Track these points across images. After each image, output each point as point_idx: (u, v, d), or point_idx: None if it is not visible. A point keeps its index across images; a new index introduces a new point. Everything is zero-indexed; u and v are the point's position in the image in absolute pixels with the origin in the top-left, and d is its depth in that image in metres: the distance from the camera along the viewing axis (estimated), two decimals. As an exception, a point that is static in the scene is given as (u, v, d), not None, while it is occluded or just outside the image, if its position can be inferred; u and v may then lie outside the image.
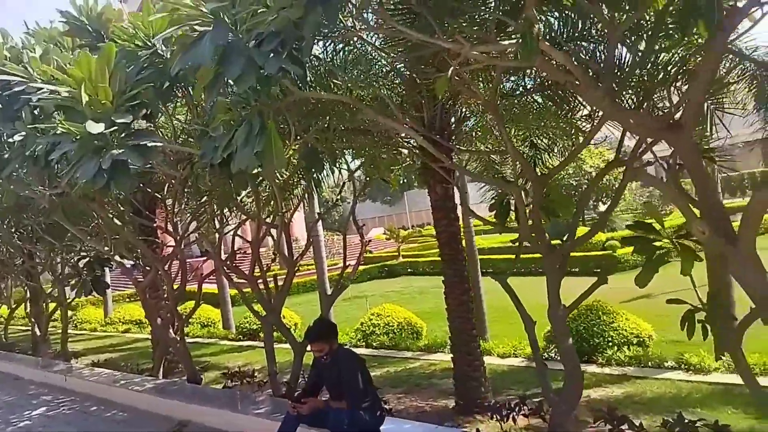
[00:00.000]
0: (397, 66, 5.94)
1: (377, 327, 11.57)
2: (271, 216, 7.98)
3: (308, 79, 4.98)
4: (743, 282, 2.76)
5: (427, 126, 5.94)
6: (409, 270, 25.32)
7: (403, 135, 6.33)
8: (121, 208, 9.24)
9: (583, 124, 5.89)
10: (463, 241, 7.16)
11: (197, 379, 8.40)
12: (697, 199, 3.06)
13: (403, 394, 8.28)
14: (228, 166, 3.28)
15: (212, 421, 6.56)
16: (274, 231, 7.60)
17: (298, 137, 5.08)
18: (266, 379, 7.99)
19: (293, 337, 7.42)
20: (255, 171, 3.99)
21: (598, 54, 4.77)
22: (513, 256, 19.77)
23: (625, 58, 4.57)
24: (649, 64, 4.34)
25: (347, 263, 7.90)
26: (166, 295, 9.70)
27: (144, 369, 10.68)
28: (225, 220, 8.38)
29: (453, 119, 6.58)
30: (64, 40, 5.75)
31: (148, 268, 9.39)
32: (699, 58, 4.14)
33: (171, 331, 8.67)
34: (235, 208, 8.06)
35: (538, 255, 4.57)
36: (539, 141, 6.82)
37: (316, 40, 4.35)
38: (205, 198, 7.58)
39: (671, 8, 2.47)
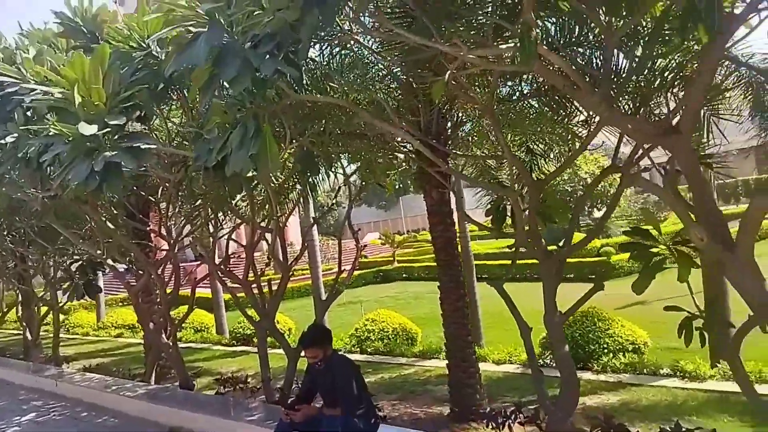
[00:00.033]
0: (394, 70, 5.92)
1: (372, 333, 11.51)
2: (266, 220, 7.93)
3: (304, 82, 4.96)
4: (741, 289, 2.74)
5: (424, 130, 5.91)
6: (404, 275, 25.29)
7: (399, 139, 6.31)
8: (115, 212, 9.17)
9: (580, 129, 5.88)
10: (459, 247, 7.13)
11: (189, 385, 8.32)
12: (695, 206, 3.04)
13: (397, 400, 8.22)
14: (222, 169, 3.24)
15: (204, 427, 6.48)
16: (268, 235, 7.55)
17: (294, 141, 5.05)
18: (259, 385, 7.91)
19: (287, 343, 7.36)
20: (250, 174, 3.94)
21: (594, 60, 4.77)
22: (508, 262, 19.78)
23: (621, 64, 4.57)
24: (646, 70, 4.33)
25: (342, 268, 7.85)
26: (158, 300, 9.62)
27: (136, 374, 10.57)
28: (219, 224, 8.32)
29: (449, 124, 6.56)
30: (58, 42, 5.70)
31: (141, 272, 9.31)
32: (695, 65, 4.15)
33: (163, 336, 8.59)
34: (229, 212, 8.01)
35: (533, 261, 4.55)
36: (535, 146, 6.81)
37: (312, 43, 4.32)
38: (199, 201, 7.52)
39: (670, 13, 2.45)
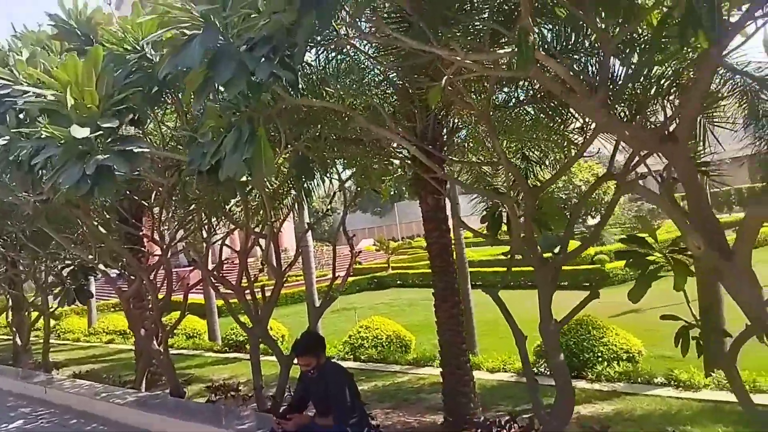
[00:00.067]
0: (390, 75, 5.90)
1: (366, 340, 11.44)
2: (260, 225, 7.88)
3: (300, 86, 4.93)
4: (738, 299, 2.71)
5: (419, 136, 5.89)
6: (398, 282, 25.21)
7: (395, 145, 6.29)
8: (107, 216, 9.09)
9: (576, 137, 5.88)
10: (454, 254, 7.10)
11: (180, 393, 8.23)
12: (691, 214, 3.02)
13: (390, 409, 8.16)
14: (216, 173, 3.20)
15: (195, 435, 6.40)
16: (262, 241, 7.50)
17: (289, 145, 5.02)
18: (251, 393, 7.84)
19: (280, 350, 7.28)
20: (244, 179, 3.90)
21: (590, 67, 4.78)
22: (503, 269, 19.82)
23: (618, 71, 4.57)
24: (642, 78, 4.33)
25: (336, 274, 7.80)
26: (150, 306, 9.53)
27: (126, 381, 10.46)
28: (213, 230, 8.26)
29: (445, 130, 6.55)
30: (52, 44, 5.66)
31: (132, 277, 9.23)
32: (692, 72, 4.16)
33: (155, 342, 8.50)
34: (223, 217, 7.95)
35: (527, 268, 4.53)
36: (531, 153, 6.80)
37: (308, 47, 4.30)
38: (193, 206, 7.47)
39: (668, 20, 2.44)
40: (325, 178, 7.21)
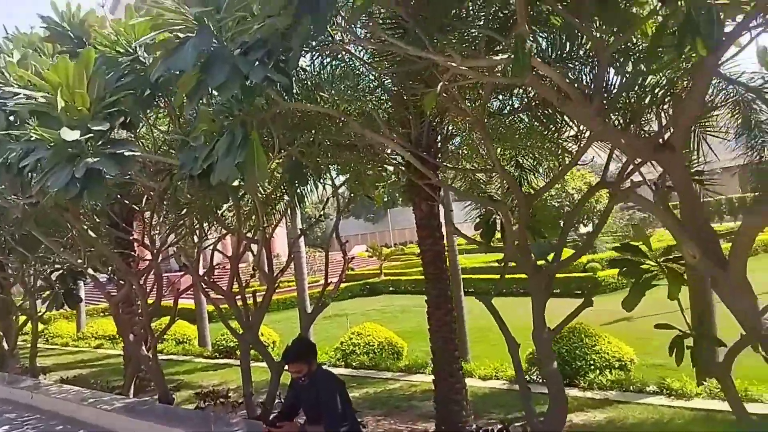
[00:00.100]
0: (385, 82, 5.89)
1: (357, 346, 11.39)
2: (252, 231, 7.82)
3: (294, 91, 4.90)
4: (733, 309, 2.71)
5: (414, 143, 5.88)
6: (391, 288, 25.16)
7: (389, 151, 6.27)
8: (97, 220, 9.00)
9: (570, 145, 5.89)
10: (447, 260, 7.07)
11: (169, 399, 8.12)
12: (686, 222, 3.01)
13: (382, 416, 8.10)
14: (208, 177, 3.15)
15: (183, 443, 6.30)
16: (254, 246, 7.44)
17: (282, 150, 4.98)
18: (241, 400, 7.76)
19: (270, 356, 7.21)
20: (236, 183, 3.86)
21: (584, 75, 4.79)
22: (495, 276, 19.80)
23: (612, 80, 4.58)
24: (636, 87, 4.35)
25: (329, 280, 7.75)
26: (140, 311, 9.43)
27: (115, 386, 10.34)
28: (204, 234, 8.19)
29: (439, 137, 6.54)
30: (44, 46, 5.60)
31: (122, 282, 9.13)
32: (686, 82, 4.17)
33: (144, 348, 8.40)
34: (215, 222, 7.89)
35: (520, 275, 4.51)
36: (524, 161, 6.81)
37: (303, 52, 4.27)
38: (184, 211, 7.40)
39: (665, 29, 2.44)
40: (319, 183, 7.18)
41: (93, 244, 8.09)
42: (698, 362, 3.14)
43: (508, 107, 5.80)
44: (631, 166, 3.86)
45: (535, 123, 5.75)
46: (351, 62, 5.55)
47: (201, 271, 8.26)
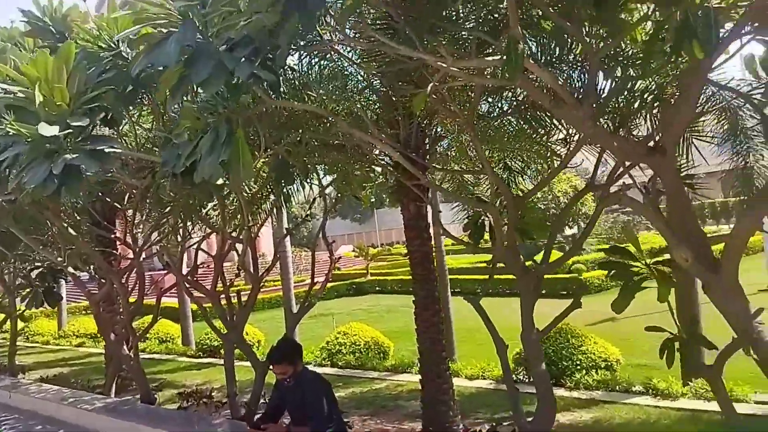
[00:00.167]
0: (374, 82, 5.83)
1: (343, 346, 11.34)
2: (237, 230, 7.72)
3: (282, 89, 4.82)
4: (725, 312, 2.70)
5: (402, 143, 5.83)
6: (377, 288, 25.13)
7: (377, 152, 6.21)
8: (78, 218, 8.84)
9: (558, 148, 5.88)
10: (434, 261, 7.04)
11: (151, 399, 8.00)
12: (676, 226, 3.00)
13: (368, 416, 8.06)
14: (191, 175, 3.07)
15: (165, 444, 6.21)
16: (239, 245, 7.34)
17: (269, 149, 4.90)
18: (225, 400, 7.66)
19: (255, 357, 7.13)
20: (220, 182, 3.78)
21: (573, 80, 4.77)
22: (481, 276, 19.87)
23: (601, 84, 4.57)
24: (626, 91, 4.34)
25: (315, 280, 7.68)
26: (121, 310, 9.28)
27: (96, 386, 10.17)
28: (188, 233, 8.07)
29: (428, 138, 6.49)
30: (25, 41, 5.47)
31: (103, 280, 8.98)
32: (675, 87, 4.18)
33: (125, 347, 8.26)
34: (199, 221, 7.77)
35: (506, 276, 4.49)
36: (513, 163, 6.80)
37: (291, 51, 4.20)
38: (168, 209, 7.28)
39: (660, 33, 2.42)
40: (306, 183, 7.10)
41: (73, 242, 7.94)
42: (688, 363, 3.13)
43: (497, 110, 5.77)
44: (621, 169, 3.85)
45: (524, 125, 5.73)
46: (339, 62, 5.48)
47: (185, 270, 8.14)
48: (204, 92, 3.06)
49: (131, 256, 8.50)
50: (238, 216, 7.61)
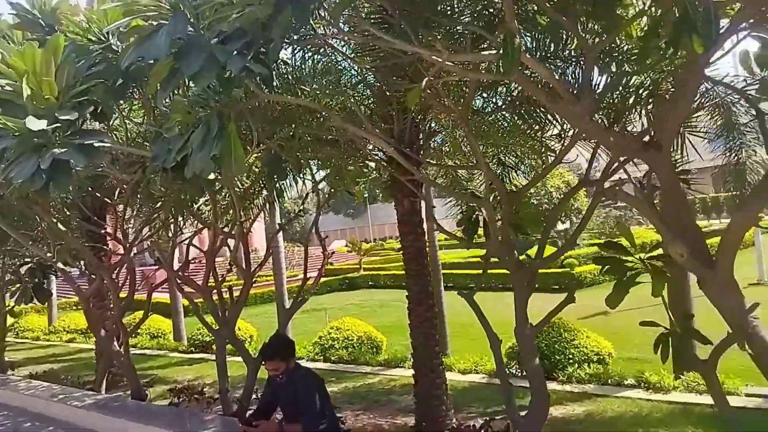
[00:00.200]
0: (368, 77, 5.79)
1: (336, 341, 11.32)
2: (229, 225, 7.67)
3: (275, 84, 4.77)
4: (720, 307, 2.70)
5: (396, 139, 5.80)
6: (370, 283, 25.14)
7: (370, 147, 6.18)
8: (68, 213, 8.74)
9: (552, 143, 5.88)
10: (428, 256, 7.03)
11: (142, 395, 7.95)
12: (672, 221, 2.99)
13: (361, 410, 8.06)
14: (182, 170, 3.02)
15: (156, 441, 6.15)
16: (231, 241, 7.29)
17: (261, 144, 4.85)
18: (217, 396, 7.62)
19: (247, 353, 7.09)
20: (212, 177, 3.73)
21: (568, 75, 4.76)
22: (474, 271, 19.90)
23: (596, 80, 4.56)
24: (621, 87, 4.33)
25: (308, 276, 7.65)
26: (111, 305, 9.21)
27: (86, 382, 10.10)
28: (179, 229, 8.00)
29: (422, 134, 6.47)
30: (13, 34, 5.37)
31: (93, 276, 8.89)
32: (670, 83, 4.17)
33: (116, 343, 8.19)
34: (191, 216, 7.71)
35: (499, 270, 4.49)
36: (507, 159, 6.79)
37: (284, 45, 4.15)
38: (159, 204, 7.21)
39: (659, 27, 2.40)
40: (299, 178, 7.05)
41: (63, 237, 7.85)
42: (682, 358, 3.13)
43: (491, 105, 5.75)
44: (616, 164, 3.84)
45: (518, 121, 5.71)
46: (333, 56, 5.43)
47: (176, 266, 8.08)
48: (195, 86, 3.01)
49: (122, 251, 8.42)
50: (230, 211, 7.56)
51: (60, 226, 7.78)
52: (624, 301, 3.79)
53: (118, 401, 7.87)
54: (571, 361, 8.47)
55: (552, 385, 8.00)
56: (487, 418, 6.33)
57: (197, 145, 2.92)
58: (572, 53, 4.53)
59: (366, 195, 8.28)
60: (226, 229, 7.51)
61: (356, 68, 5.62)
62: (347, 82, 5.84)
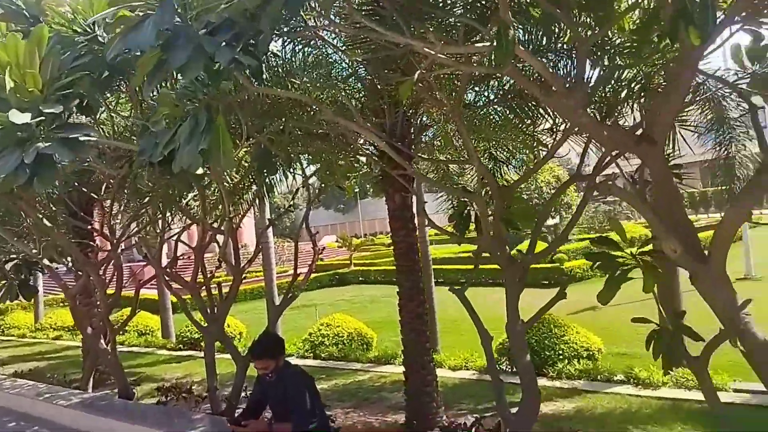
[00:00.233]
0: (359, 71, 5.74)
1: (326, 337, 11.28)
2: (218, 221, 7.59)
3: (264, 77, 4.70)
4: (712, 302, 2.69)
5: (388, 133, 5.75)
6: (360, 278, 25.11)
7: (361, 142, 6.13)
8: (54, 209, 8.60)
9: (544, 137, 5.86)
10: (419, 251, 7.00)
11: (129, 394, 7.86)
12: (664, 216, 2.98)
13: (351, 408, 8.03)
14: (169, 164, 2.95)
15: (144, 440, 6.08)
16: (220, 237, 7.21)
17: (251, 138, 4.78)
18: (205, 394, 7.55)
19: (236, 350, 7.03)
20: (200, 171, 3.66)
21: (560, 68, 4.73)
22: (465, 266, 19.90)
23: (588, 73, 4.54)
24: (613, 80, 4.32)
25: (298, 272, 7.59)
26: (98, 302, 9.09)
27: (73, 380, 9.98)
28: (168, 224, 7.90)
29: (413, 128, 6.42)
30: (-3, 26, 5.25)
31: (80, 272, 8.77)
32: (662, 76, 4.16)
33: (102, 341, 8.08)
34: (179, 212, 7.61)
35: (489, 266, 4.47)
36: (498, 153, 6.77)
37: (274, 37, 4.08)
38: (147, 199, 7.11)
39: (655, 19, 2.37)
40: (289, 173, 6.98)
41: (49, 233, 7.72)
42: (674, 355, 3.12)
43: (483, 99, 5.72)
44: (608, 159, 3.82)
45: (510, 115, 5.69)
46: (324, 49, 5.37)
47: (164, 262, 7.98)
48: (183, 78, 2.94)
49: (109, 247, 8.31)
50: (219, 206, 7.47)
51: (46, 221, 7.66)
52: (615, 295, 3.78)
53: (104, 400, 7.77)
54: (561, 356, 8.49)
55: (542, 381, 8.01)
56: (478, 416, 6.32)
57: (185, 138, 2.85)
58: (564, 46, 4.51)
59: (357, 190, 8.23)
60: (215, 225, 7.43)
61: (347, 61, 5.57)
62: (338, 75, 5.79)
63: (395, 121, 5.85)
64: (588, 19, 3.61)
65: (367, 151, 6.46)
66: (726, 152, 6.29)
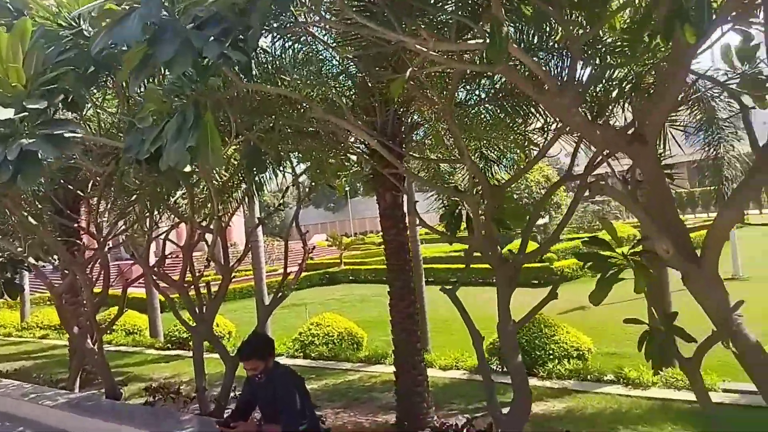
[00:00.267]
0: (349, 68, 5.69)
1: (316, 337, 11.22)
2: (207, 219, 7.51)
3: (254, 72, 4.63)
4: (704, 303, 2.68)
5: (379, 131, 5.72)
6: (350, 277, 25.04)
7: (352, 140, 6.08)
8: (39, 206, 8.48)
9: (536, 137, 5.85)
10: (410, 251, 6.97)
11: (116, 394, 7.76)
12: (655, 216, 2.96)
13: (341, 408, 7.99)
14: (156, 162, 2.89)
15: (131, 441, 6.00)
16: (209, 235, 7.13)
17: (240, 135, 4.72)
18: (194, 394, 7.47)
19: (225, 350, 6.95)
20: (188, 169, 3.60)
21: (551, 67, 4.72)
22: (455, 266, 19.89)
23: (579, 73, 4.53)
24: (604, 80, 4.31)
25: (288, 271, 7.53)
26: (85, 302, 8.98)
27: (59, 380, 9.84)
28: (155, 223, 7.81)
29: (404, 126, 6.39)
30: (-21, 20, 5.14)
31: (66, 271, 8.65)
32: (653, 76, 4.15)
33: (89, 340, 7.97)
34: (167, 210, 7.52)
35: (481, 265, 4.44)
36: (489, 153, 6.75)
37: (264, 33, 4.02)
38: (134, 197, 7.02)
39: (651, 18, 2.36)
40: (278, 171, 6.92)
41: (34, 231, 7.60)
42: (666, 356, 3.11)
43: (474, 97, 5.70)
44: (599, 158, 3.81)
45: (501, 114, 5.67)
46: (314, 45, 5.32)
47: (152, 261, 7.89)
48: (170, 73, 2.88)
49: (96, 246, 8.20)
50: (208, 205, 7.40)
51: (31, 219, 7.54)
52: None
53: (91, 400, 7.67)
54: (551, 356, 8.50)
55: (532, 381, 7.96)
56: (469, 416, 6.32)
57: (172, 135, 2.79)
58: (555, 45, 4.50)
59: (347, 188, 8.19)
60: (203, 223, 7.35)
61: (338, 58, 5.52)
62: (329, 72, 5.74)
63: (386, 119, 5.81)
64: (579, 18, 3.60)
65: (358, 150, 6.41)
66: (715, 152, 6.31)
